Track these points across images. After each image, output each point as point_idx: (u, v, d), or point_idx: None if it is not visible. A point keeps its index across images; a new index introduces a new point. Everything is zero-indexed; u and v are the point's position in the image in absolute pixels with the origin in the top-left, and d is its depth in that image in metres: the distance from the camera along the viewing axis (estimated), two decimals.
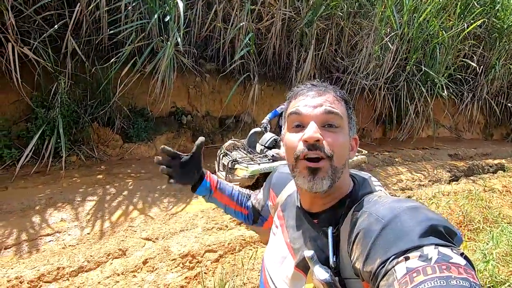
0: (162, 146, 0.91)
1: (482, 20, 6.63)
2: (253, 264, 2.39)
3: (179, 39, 4.28)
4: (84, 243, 2.52)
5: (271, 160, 3.43)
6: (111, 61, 4.22)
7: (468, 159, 6.27)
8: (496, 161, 6.02)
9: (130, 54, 4.35)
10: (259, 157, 3.51)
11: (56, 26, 3.96)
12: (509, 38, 7.36)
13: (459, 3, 6.57)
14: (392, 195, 0.63)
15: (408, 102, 6.73)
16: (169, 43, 4.18)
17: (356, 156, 3.84)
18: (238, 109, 6.09)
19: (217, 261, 2.47)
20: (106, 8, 4.14)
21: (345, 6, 5.88)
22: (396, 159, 5.54)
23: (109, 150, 4.58)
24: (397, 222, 0.48)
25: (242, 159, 3.43)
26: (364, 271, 0.49)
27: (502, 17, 7.21)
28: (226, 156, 3.58)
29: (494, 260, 2.15)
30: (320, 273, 0.55)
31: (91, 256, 2.32)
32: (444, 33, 6.26)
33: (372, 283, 0.48)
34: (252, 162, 3.38)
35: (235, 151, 3.79)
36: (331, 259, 0.56)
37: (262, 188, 0.92)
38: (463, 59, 7.07)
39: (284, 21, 5.68)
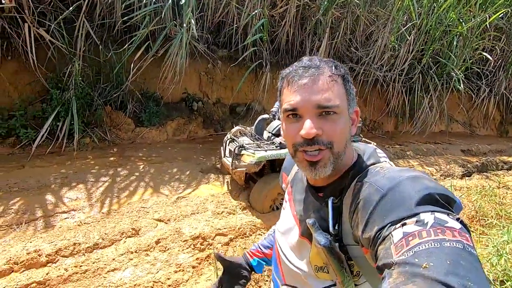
0: (217, 254, 0.96)
1: (504, 11, 6.37)
2: None
3: (193, 24, 4.23)
4: (99, 221, 2.59)
5: (278, 147, 3.39)
6: (125, 46, 4.22)
7: (481, 155, 6.15)
8: (511, 159, 5.89)
9: (143, 38, 4.35)
10: (266, 144, 3.48)
11: (71, 8, 3.96)
12: None
13: None
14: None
15: (423, 95, 6.58)
16: (184, 28, 4.14)
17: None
18: (249, 97, 6.06)
19: (227, 244, 2.51)
20: None
21: None
22: (408, 153, 5.47)
23: (121, 133, 4.64)
24: (395, 192, 0.50)
25: (249, 145, 3.42)
26: (363, 238, 0.51)
27: None
28: (233, 142, 3.56)
29: (507, 255, 2.12)
30: (320, 238, 0.58)
31: (105, 234, 2.39)
32: (463, 24, 6.05)
33: (370, 248, 0.50)
34: (259, 149, 3.36)
35: (242, 137, 3.77)
36: (331, 227, 0.58)
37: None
38: (482, 52, 6.84)
39: (299, 9, 5.56)
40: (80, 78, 4.08)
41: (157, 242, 2.38)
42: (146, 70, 4.55)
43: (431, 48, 6.12)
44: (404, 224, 0.45)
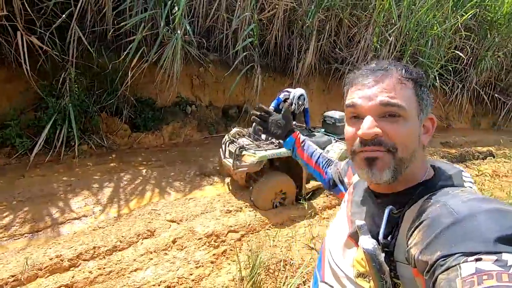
0: (258, 104, 1.06)
1: (472, 12, 6.89)
2: (274, 241, 2.57)
3: (189, 30, 4.34)
4: (113, 225, 2.65)
5: (277, 147, 3.54)
6: (124, 53, 4.25)
7: (458, 146, 6.61)
8: (485, 149, 6.38)
9: (136, 44, 4.39)
10: (266, 143, 3.62)
11: (63, 15, 3.95)
12: (498, 30, 7.68)
13: None
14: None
15: None
16: (178, 34, 4.23)
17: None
18: (241, 100, 6.20)
19: (239, 240, 2.64)
20: None
21: None
22: None
23: (118, 139, 4.65)
24: (473, 221, 0.43)
25: (249, 146, 3.54)
26: (419, 260, 0.47)
27: (492, 9, 7.50)
28: (233, 143, 3.67)
29: None
30: (365, 242, 0.54)
31: (122, 236, 2.46)
32: (438, 26, 6.50)
33: (426, 274, 0.45)
34: (259, 149, 3.48)
35: (241, 139, 3.89)
36: (381, 235, 0.54)
37: (344, 162, 0.93)
38: (455, 51, 7.36)
39: (286, 13, 5.78)
40: (75, 85, 4.07)
41: (173, 242, 2.47)
42: (140, 76, 4.59)
43: (410, 48, 6.52)
44: (479, 260, 0.39)
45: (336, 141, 3.87)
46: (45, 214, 2.75)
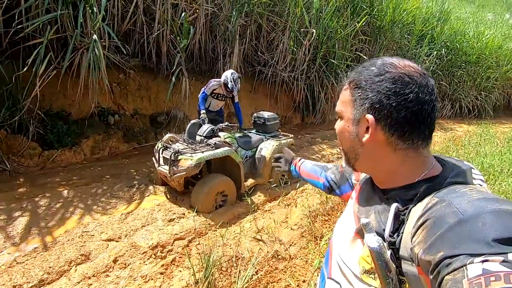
0: (275, 157, 1.35)
1: (365, 19, 8.13)
2: (223, 240, 2.60)
3: (111, 31, 4.00)
4: (35, 257, 2.27)
5: (213, 148, 3.56)
6: (29, 60, 3.64)
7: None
8: None
9: (43, 50, 3.83)
10: (201, 146, 3.60)
11: None
12: (385, 35, 9.21)
13: (349, 6, 7.90)
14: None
15: (320, 90, 7.79)
16: (94, 38, 3.86)
17: (285, 139, 4.18)
18: (169, 105, 5.98)
19: (188, 246, 2.59)
20: None
21: (261, 5, 6.40)
22: (317, 139, 6.44)
23: (25, 160, 3.97)
24: (479, 221, 0.43)
25: (185, 150, 3.46)
26: (422, 259, 0.47)
27: (379, 17, 8.96)
28: (167, 149, 3.54)
29: None
30: (370, 240, 0.55)
31: (50, 267, 2.15)
32: (341, 30, 7.47)
33: (431, 274, 0.45)
34: (196, 152, 3.45)
35: (175, 144, 3.78)
36: (387, 232, 0.55)
37: None
38: (356, 52, 8.55)
39: (207, 18, 5.83)
40: None
41: (115, 261, 2.28)
42: (47, 86, 4.02)
43: (321, 51, 7.32)
44: (486, 261, 0.39)
45: (267, 139, 4.10)
46: None
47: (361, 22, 7.77)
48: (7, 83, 3.74)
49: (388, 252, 0.53)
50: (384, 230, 0.56)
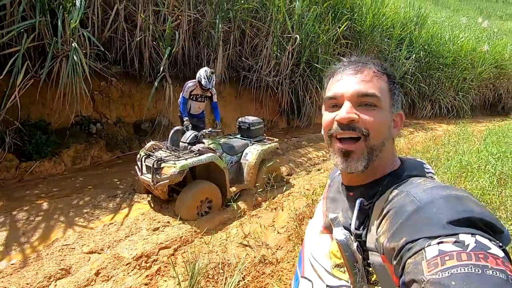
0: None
1: (346, 24, 8.33)
2: (209, 247, 2.57)
3: (93, 38, 3.93)
4: (11, 274, 2.18)
5: (197, 154, 3.51)
6: (5, 69, 3.52)
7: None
8: None
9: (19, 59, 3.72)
10: (185, 153, 3.54)
11: None
12: (365, 39, 9.46)
13: (330, 11, 8.08)
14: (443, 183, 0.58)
15: (305, 94, 7.89)
16: (73, 45, 3.78)
17: (270, 144, 4.15)
18: (153, 113, 5.91)
19: (173, 255, 2.55)
20: None
21: (244, 11, 6.46)
22: (303, 142, 6.50)
23: (1, 173, 3.82)
24: (433, 207, 0.47)
25: (168, 157, 3.41)
26: (387, 247, 0.50)
27: (359, 23, 9.21)
28: (150, 157, 3.48)
29: None
30: (338, 233, 0.57)
31: (27, 284, 2.06)
32: (323, 35, 7.62)
33: (393, 259, 0.48)
34: (179, 159, 3.40)
35: (158, 152, 3.71)
36: (353, 226, 0.58)
37: None
38: (339, 56, 8.72)
39: (190, 23, 5.83)
40: None
41: (97, 274, 2.21)
42: (25, 95, 3.89)
43: (305, 55, 7.43)
44: (441, 242, 0.42)
45: (252, 144, 4.10)
46: None
47: (343, 27, 7.95)
48: None
49: (355, 244, 0.56)
50: (350, 224, 0.59)
